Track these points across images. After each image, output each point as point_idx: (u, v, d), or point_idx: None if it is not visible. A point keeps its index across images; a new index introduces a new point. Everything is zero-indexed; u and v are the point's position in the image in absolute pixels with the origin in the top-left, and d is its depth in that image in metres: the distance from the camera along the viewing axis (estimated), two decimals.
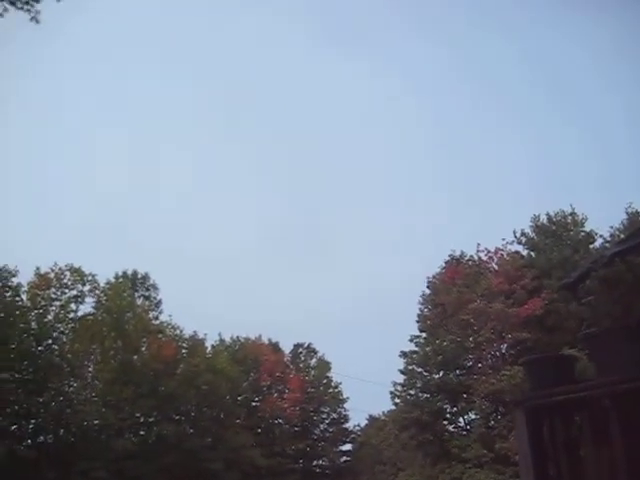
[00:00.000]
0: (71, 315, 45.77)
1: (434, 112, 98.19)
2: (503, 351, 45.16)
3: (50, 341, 44.23)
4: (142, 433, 48.36)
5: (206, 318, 61.12)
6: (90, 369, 47.91)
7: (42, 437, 43.70)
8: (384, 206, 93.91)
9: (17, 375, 42.33)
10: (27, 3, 12.37)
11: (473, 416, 45.74)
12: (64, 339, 45.17)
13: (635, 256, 8.91)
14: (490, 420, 43.54)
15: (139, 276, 52.73)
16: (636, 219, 40.41)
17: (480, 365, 45.41)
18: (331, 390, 63.66)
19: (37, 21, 12.52)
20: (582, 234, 45.18)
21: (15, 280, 43.13)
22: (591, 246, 43.68)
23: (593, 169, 76.93)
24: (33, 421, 43.28)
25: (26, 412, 42.22)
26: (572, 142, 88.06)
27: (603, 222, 44.21)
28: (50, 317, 44.71)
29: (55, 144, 79.05)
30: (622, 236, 38.97)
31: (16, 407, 41.69)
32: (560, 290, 31.58)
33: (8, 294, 42.48)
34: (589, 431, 7.24)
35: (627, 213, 41.79)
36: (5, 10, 12.26)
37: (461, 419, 47.07)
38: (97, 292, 47.29)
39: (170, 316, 51.93)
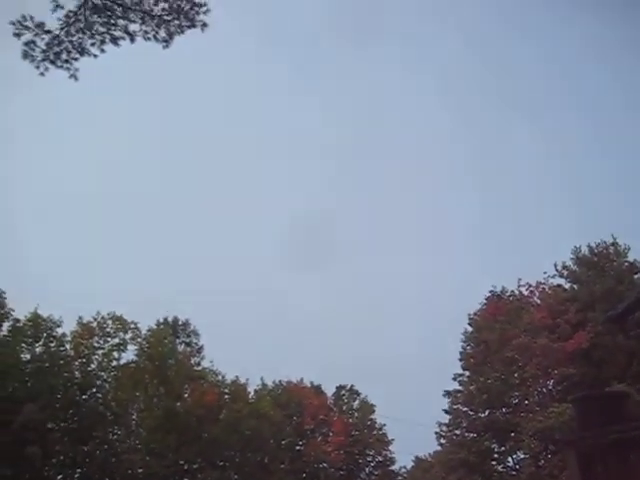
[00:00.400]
0: (114, 363, 46.20)
1: (471, 135, 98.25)
2: (550, 387, 44.14)
3: (94, 390, 44.67)
4: None
5: (247, 363, 61.01)
6: (134, 417, 48.09)
7: None
8: (424, 250, 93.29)
9: (62, 424, 42.76)
10: (67, 62, 12.72)
11: (522, 455, 44.50)
12: (107, 387, 45.55)
13: None
14: (540, 459, 42.32)
15: (180, 322, 53.08)
16: None
17: (527, 402, 44.41)
18: (375, 432, 62.73)
19: (76, 78, 12.87)
20: (625, 264, 44.24)
21: (59, 330, 43.97)
22: (635, 276, 42.73)
23: (634, 197, 75.57)
24: (79, 470, 43.49)
25: (72, 461, 42.51)
26: (611, 171, 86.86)
27: None
28: (93, 366, 45.20)
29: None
30: None
31: (62, 457, 42.02)
32: (606, 323, 30.87)
33: (53, 344, 43.18)
34: None
35: None
36: (46, 69, 12.66)
37: (509, 459, 45.84)
38: (139, 339, 47.68)
39: (212, 362, 52.08)
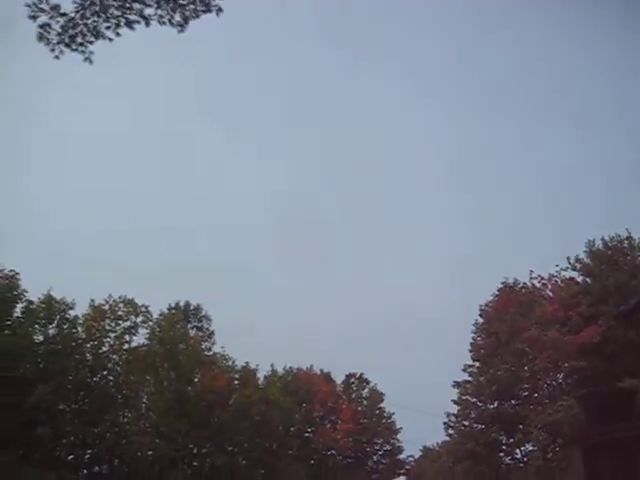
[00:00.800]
0: (125, 346, 46.48)
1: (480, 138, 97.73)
2: (560, 380, 43.90)
3: (105, 372, 45.02)
4: (195, 464, 48.51)
5: (258, 348, 61.28)
6: (144, 400, 48.44)
7: (97, 467, 44.25)
8: (436, 238, 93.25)
9: (74, 406, 43.13)
10: (81, 45, 12.69)
11: (530, 448, 44.39)
12: (118, 370, 45.84)
13: None
14: (548, 452, 42.19)
15: (191, 307, 53.26)
16: None
17: (536, 395, 44.23)
18: (384, 421, 62.88)
19: (91, 61, 12.85)
20: (639, 259, 43.86)
21: (72, 312, 44.23)
22: None
23: None
24: (89, 451, 43.90)
25: (82, 442, 42.90)
26: (626, 165, 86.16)
27: None
28: (105, 348, 45.53)
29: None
30: None
31: (72, 438, 42.38)
32: (617, 317, 30.64)
33: (65, 326, 43.46)
34: None
35: None
36: (61, 52, 12.63)
37: (518, 451, 45.77)
38: (150, 323, 47.92)
39: (223, 347, 52.25)
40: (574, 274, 46.05)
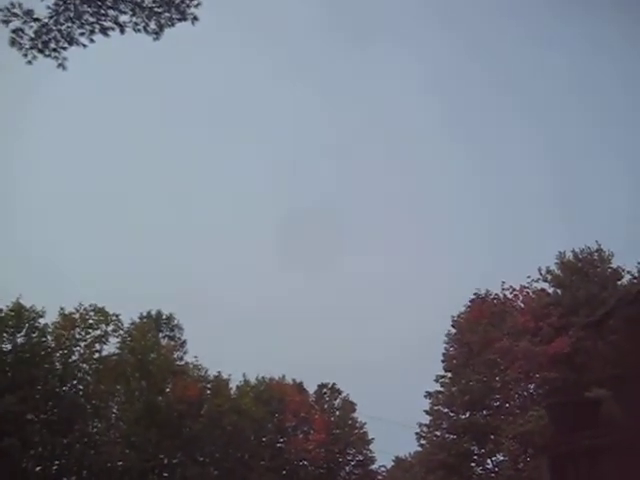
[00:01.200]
0: (95, 355, 45.97)
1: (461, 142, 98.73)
2: (531, 391, 44.35)
3: (75, 381, 44.49)
4: (166, 475, 47.97)
5: (230, 358, 60.96)
6: (114, 410, 47.90)
7: (65, 479, 43.64)
8: (407, 248, 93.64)
9: (42, 415, 42.54)
10: (55, 50, 12.63)
11: (501, 458, 44.74)
12: (88, 379, 45.31)
13: None
14: (519, 462, 42.54)
15: (163, 316, 52.90)
16: None
17: (507, 405, 44.63)
18: (356, 431, 62.83)
19: (64, 68, 12.80)
20: (609, 270, 44.51)
21: (42, 321, 43.69)
22: (619, 282, 42.97)
23: (619, 202, 75.93)
24: (57, 462, 43.28)
25: (50, 453, 42.29)
26: (598, 175, 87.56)
27: (630, 258, 43.57)
28: (75, 357, 44.99)
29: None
30: None
31: (40, 448, 41.77)
32: (586, 329, 31.08)
33: (35, 335, 42.90)
34: (616, 478, 7.04)
35: None
36: (34, 58, 12.56)
37: (489, 461, 46.07)
38: (121, 332, 47.47)
39: (196, 357, 51.92)
40: (545, 285, 46.67)
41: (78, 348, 45.23)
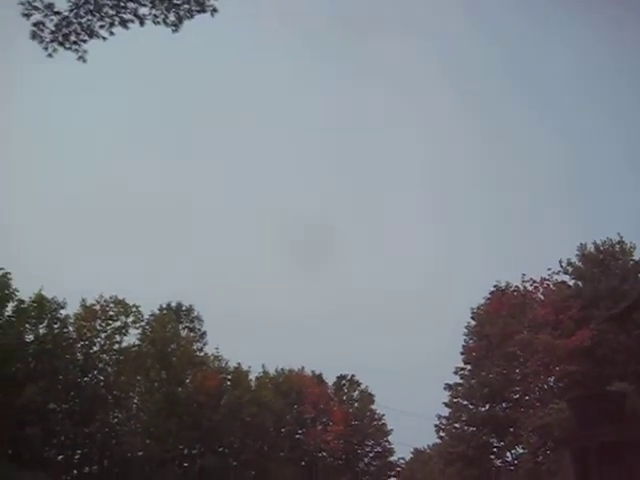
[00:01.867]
0: (116, 346, 46.32)
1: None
2: (551, 384, 44.00)
3: (95, 372, 44.89)
4: (185, 465, 48.37)
5: (251, 350, 61.23)
6: (135, 400, 48.31)
7: (87, 468, 44.09)
8: (431, 240, 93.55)
9: (64, 405, 42.97)
10: (75, 43, 12.67)
11: (520, 450, 44.51)
12: (109, 370, 45.69)
13: None
14: (538, 455, 42.29)
15: (183, 308, 53.12)
16: None
17: (527, 398, 44.32)
18: (375, 423, 62.92)
19: (84, 60, 12.84)
20: (631, 263, 43.99)
21: (63, 312, 44.07)
22: None
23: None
24: (79, 451, 43.75)
25: (72, 442, 42.73)
26: (619, 170, 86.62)
27: None
28: (95, 348, 45.36)
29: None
30: None
31: (62, 437, 42.22)
32: (608, 321, 30.77)
33: (56, 326, 43.28)
34: None
35: None
36: (55, 51, 12.60)
37: (508, 454, 45.87)
38: (142, 324, 47.78)
39: (217, 348, 52.11)
40: (566, 278, 46.24)
41: (99, 339, 45.64)
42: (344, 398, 64.22)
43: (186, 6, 12.58)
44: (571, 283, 45.78)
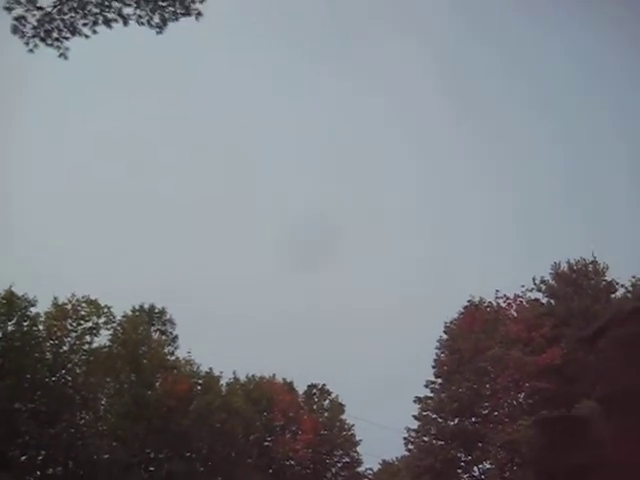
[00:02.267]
0: (86, 347, 45.73)
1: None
2: (520, 400, 44.36)
3: (64, 372, 44.22)
4: (152, 469, 47.83)
5: (223, 355, 60.80)
6: (103, 402, 47.65)
7: (51, 469, 43.44)
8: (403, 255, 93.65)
9: (30, 405, 42.31)
10: (57, 40, 12.56)
11: (488, 466, 44.73)
12: (78, 371, 45.07)
13: None
14: (505, 471, 42.56)
15: (156, 310, 52.67)
16: None
17: (496, 413, 44.61)
18: (344, 433, 62.76)
19: (66, 57, 12.72)
20: (603, 283, 44.59)
21: (34, 310, 43.46)
22: (612, 296, 43.07)
23: (616, 217, 75.85)
24: (43, 452, 43.08)
25: (37, 443, 42.03)
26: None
27: (625, 271, 43.61)
28: (65, 348, 44.74)
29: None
30: None
31: (27, 437, 41.55)
32: (579, 341, 31.04)
33: (26, 323, 42.66)
34: None
35: None
36: (36, 46, 12.47)
37: (476, 468, 46.06)
38: (113, 325, 47.26)
39: (189, 352, 51.68)
40: (539, 295, 46.72)
41: (69, 339, 44.99)
42: (314, 407, 64.03)
43: (171, 8, 12.51)
44: (544, 301, 46.27)
